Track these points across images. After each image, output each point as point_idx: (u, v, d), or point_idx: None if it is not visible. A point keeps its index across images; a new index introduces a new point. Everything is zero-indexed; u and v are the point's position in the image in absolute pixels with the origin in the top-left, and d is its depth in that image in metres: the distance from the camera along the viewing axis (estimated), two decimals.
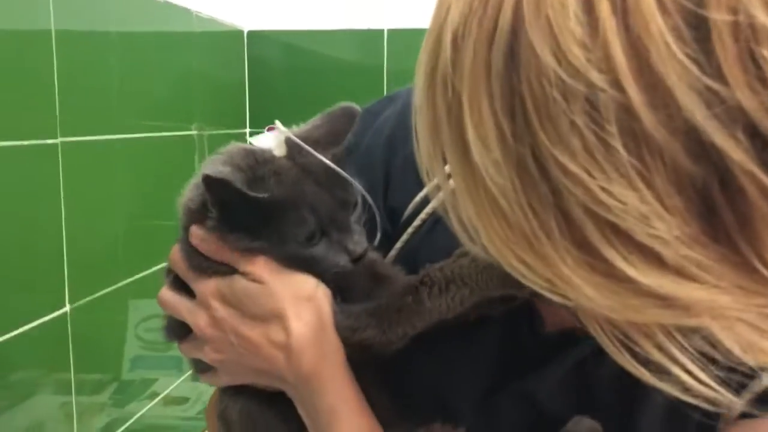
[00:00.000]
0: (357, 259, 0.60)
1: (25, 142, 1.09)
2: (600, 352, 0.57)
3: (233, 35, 2.04)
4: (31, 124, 1.12)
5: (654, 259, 0.35)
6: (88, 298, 1.28)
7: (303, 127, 0.65)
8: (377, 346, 0.60)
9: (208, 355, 0.64)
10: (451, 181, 0.42)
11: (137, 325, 1.66)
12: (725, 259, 0.35)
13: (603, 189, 0.34)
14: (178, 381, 1.72)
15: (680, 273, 0.35)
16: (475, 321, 0.63)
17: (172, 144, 0.57)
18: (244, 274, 0.60)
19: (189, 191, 0.63)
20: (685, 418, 0.54)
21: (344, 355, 0.60)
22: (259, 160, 0.60)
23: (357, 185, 0.61)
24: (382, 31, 1.99)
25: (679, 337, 0.40)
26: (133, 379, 1.63)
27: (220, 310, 0.61)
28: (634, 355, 0.43)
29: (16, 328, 1.09)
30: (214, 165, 0.60)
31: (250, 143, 0.63)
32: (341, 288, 0.62)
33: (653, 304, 0.36)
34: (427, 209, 0.67)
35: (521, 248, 0.38)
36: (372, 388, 0.62)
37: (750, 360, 0.39)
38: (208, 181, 0.56)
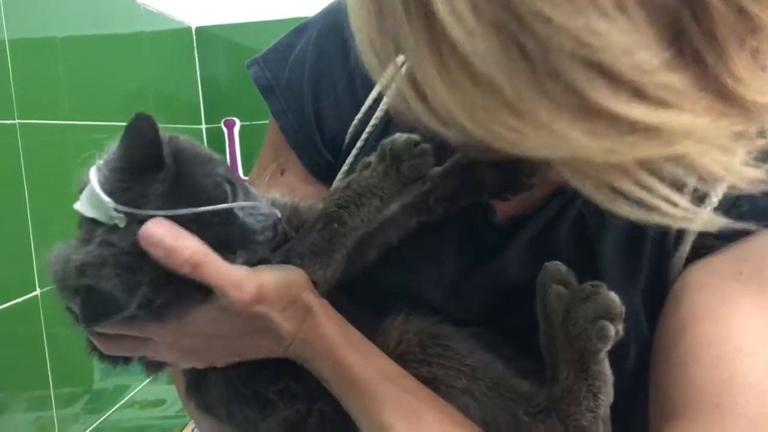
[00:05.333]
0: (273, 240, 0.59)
1: None
2: (552, 224, 0.62)
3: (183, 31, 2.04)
4: None
5: (638, 92, 0.38)
6: None
7: (108, 158, 0.56)
8: (323, 279, 0.61)
9: (193, 364, 0.62)
10: (404, 69, 0.43)
11: None
12: (698, 82, 0.38)
13: (585, 29, 0.36)
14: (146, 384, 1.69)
15: (662, 102, 0.38)
16: (434, 224, 0.65)
17: None
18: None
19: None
20: (639, 252, 0.59)
21: (338, 324, 0.59)
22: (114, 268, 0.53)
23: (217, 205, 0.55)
24: None
25: (657, 171, 0.42)
26: (105, 388, 1.59)
27: (200, 342, 0.58)
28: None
29: None
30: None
31: (80, 213, 0.55)
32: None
33: (643, 137, 0.39)
34: (368, 128, 0.68)
35: (511, 115, 0.39)
36: (347, 308, 0.62)
37: (727, 180, 0.42)
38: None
